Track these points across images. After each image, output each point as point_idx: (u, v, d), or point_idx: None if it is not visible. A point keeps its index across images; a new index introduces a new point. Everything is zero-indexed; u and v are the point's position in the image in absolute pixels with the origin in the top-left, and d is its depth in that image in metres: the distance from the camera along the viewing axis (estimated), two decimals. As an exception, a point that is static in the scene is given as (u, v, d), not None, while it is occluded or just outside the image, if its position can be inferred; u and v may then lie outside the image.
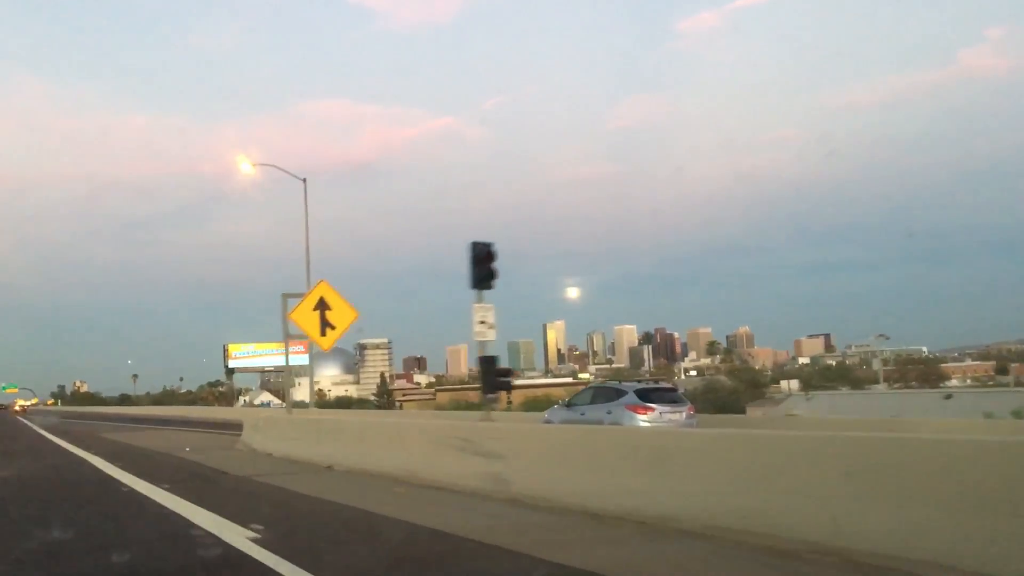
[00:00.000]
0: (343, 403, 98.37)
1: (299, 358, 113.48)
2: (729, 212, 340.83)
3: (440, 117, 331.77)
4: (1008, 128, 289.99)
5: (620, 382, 18.48)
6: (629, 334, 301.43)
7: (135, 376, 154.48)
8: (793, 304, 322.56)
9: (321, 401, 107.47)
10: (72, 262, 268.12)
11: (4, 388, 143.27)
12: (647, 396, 16.46)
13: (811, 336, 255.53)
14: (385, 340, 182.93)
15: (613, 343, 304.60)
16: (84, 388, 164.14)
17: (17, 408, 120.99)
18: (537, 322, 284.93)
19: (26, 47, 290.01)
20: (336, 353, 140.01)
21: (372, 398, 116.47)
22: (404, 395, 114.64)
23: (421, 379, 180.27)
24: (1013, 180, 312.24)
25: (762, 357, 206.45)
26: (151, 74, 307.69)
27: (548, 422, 18.07)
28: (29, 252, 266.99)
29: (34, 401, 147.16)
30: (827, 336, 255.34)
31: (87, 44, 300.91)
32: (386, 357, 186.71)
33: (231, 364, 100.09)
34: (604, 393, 17.60)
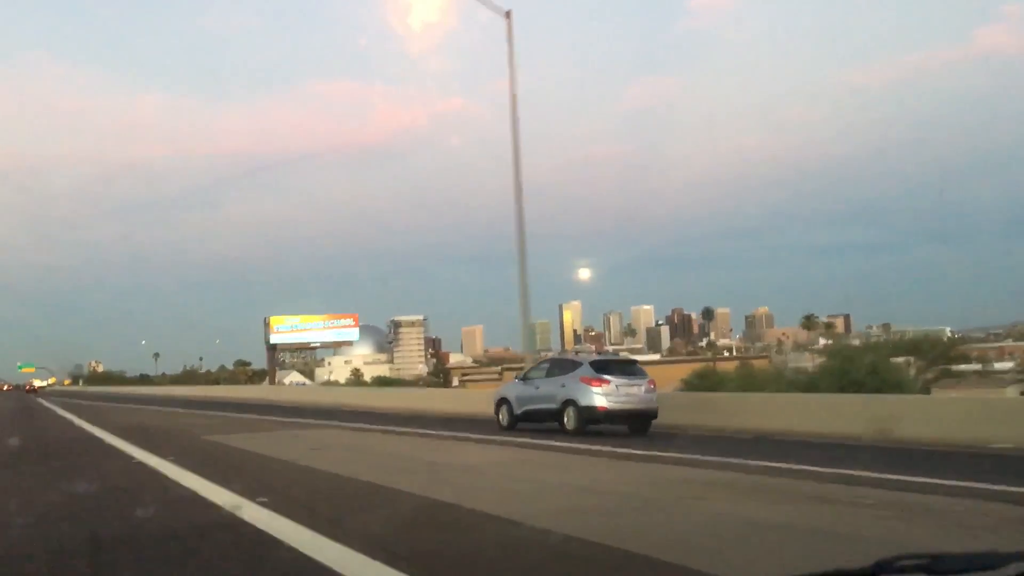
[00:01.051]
0: (386, 383, 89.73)
1: (347, 333, 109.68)
2: (743, 192, 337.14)
3: (451, 97, 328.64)
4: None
5: (576, 353, 17.64)
6: (647, 315, 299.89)
7: (156, 355, 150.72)
8: (809, 285, 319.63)
9: (357, 381, 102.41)
10: (86, 242, 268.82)
11: (20, 367, 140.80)
12: (604, 368, 15.98)
13: (830, 316, 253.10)
14: (420, 317, 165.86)
15: (630, 323, 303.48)
16: (100, 368, 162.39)
17: (27, 388, 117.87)
18: (553, 302, 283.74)
19: (38, 29, 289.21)
20: (367, 331, 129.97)
21: (421, 377, 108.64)
22: (464, 374, 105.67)
23: (456, 358, 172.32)
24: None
25: (774, 336, 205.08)
26: (162, 55, 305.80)
27: (503, 397, 17.71)
28: (43, 232, 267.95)
29: (51, 381, 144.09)
30: (846, 317, 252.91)
31: (99, 26, 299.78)
32: (420, 335, 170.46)
33: (273, 339, 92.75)
34: (560, 365, 17.03)
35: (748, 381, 30.96)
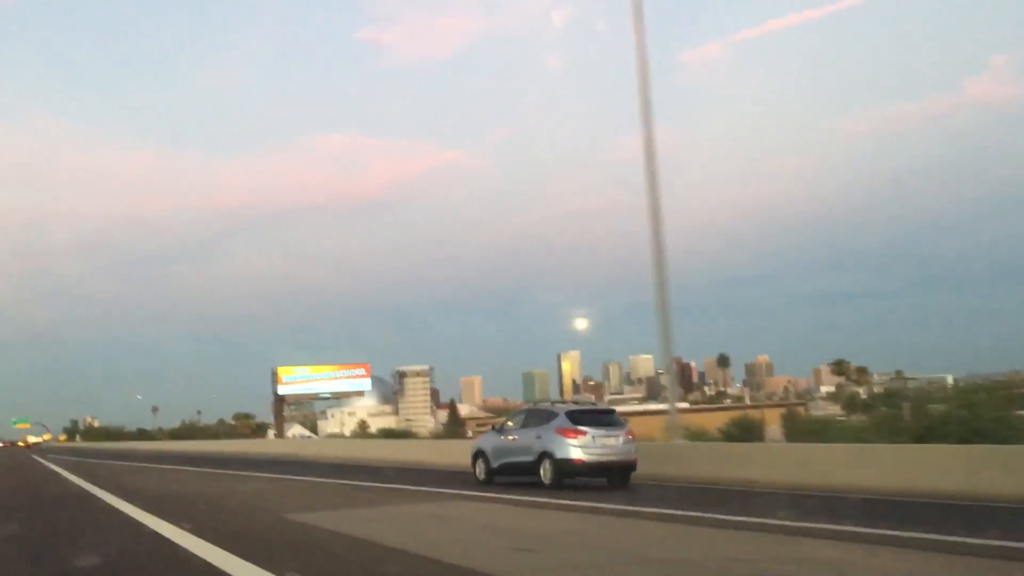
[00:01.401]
0: (397, 435, 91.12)
1: (358, 383, 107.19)
2: (737, 241, 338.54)
3: (448, 150, 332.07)
4: (1018, 155, 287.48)
5: (553, 403, 16.81)
6: (646, 363, 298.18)
7: (155, 408, 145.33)
8: (807, 333, 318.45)
9: (363, 433, 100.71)
10: (81, 297, 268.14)
11: (15, 423, 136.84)
12: (580, 418, 15.23)
13: (830, 364, 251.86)
14: (426, 367, 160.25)
15: (629, 373, 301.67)
16: (96, 423, 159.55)
17: (20, 444, 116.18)
18: (551, 352, 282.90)
19: (37, 86, 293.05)
20: (372, 381, 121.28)
21: (427, 428, 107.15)
22: (479, 424, 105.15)
23: (462, 408, 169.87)
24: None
25: (779, 386, 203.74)
26: (161, 111, 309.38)
27: (480, 449, 17.08)
28: (38, 287, 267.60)
29: (46, 437, 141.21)
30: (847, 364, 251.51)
31: (97, 83, 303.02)
32: (426, 385, 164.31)
33: (281, 390, 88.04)
34: (536, 416, 16.21)
35: (817, 429, 27.88)
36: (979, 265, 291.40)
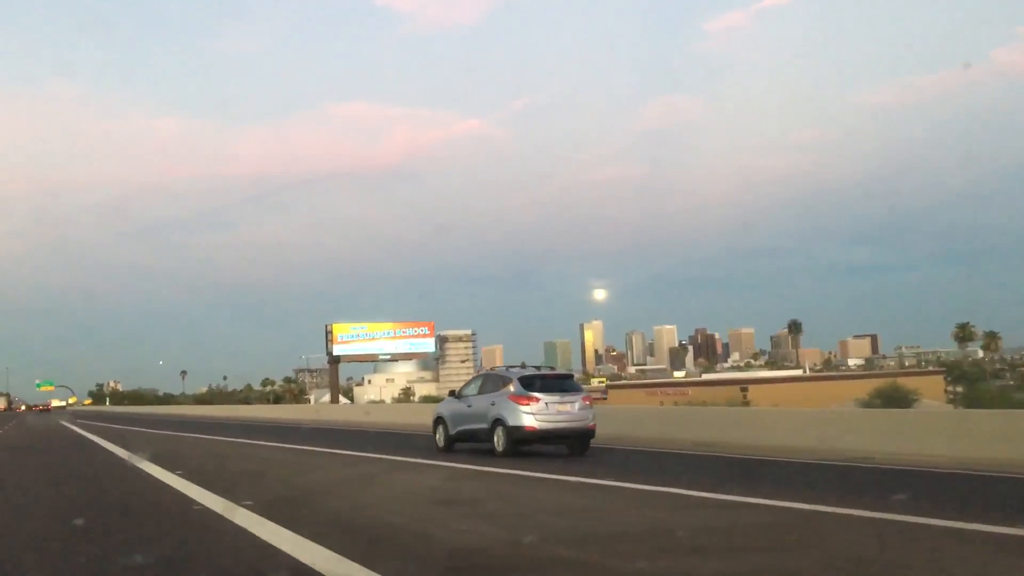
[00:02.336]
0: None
1: (421, 343, 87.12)
2: (761, 212, 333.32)
3: (468, 119, 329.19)
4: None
5: (508, 368, 15.90)
6: (669, 334, 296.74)
7: (184, 373, 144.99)
8: (832, 305, 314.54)
9: (406, 400, 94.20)
10: (102, 263, 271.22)
11: (39, 385, 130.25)
12: (533, 384, 14.43)
13: (857, 337, 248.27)
14: (468, 332, 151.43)
15: (652, 343, 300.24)
16: (119, 387, 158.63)
17: (40, 408, 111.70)
18: (574, 322, 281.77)
19: (59, 54, 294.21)
20: (436, 341, 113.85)
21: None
22: None
23: None
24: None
25: (810, 358, 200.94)
26: (181, 79, 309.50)
27: (439, 415, 16.59)
28: (60, 253, 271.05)
29: (72, 400, 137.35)
30: (874, 337, 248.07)
31: (118, 50, 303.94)
32: (470, 351, 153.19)
33: (336, 350, 76.09)
34: (491, 381, 15.51)
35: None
36: (1007, 238, 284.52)
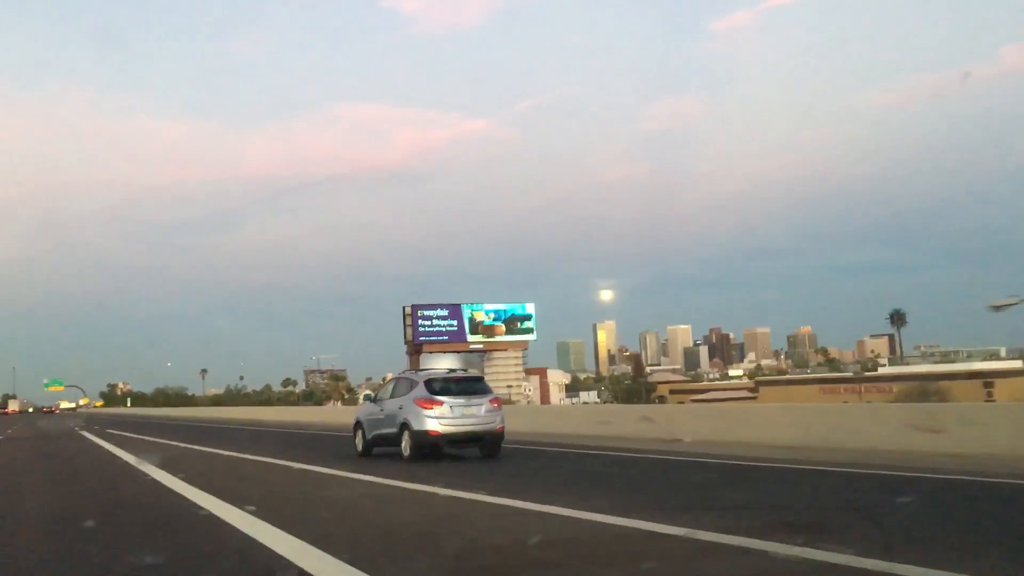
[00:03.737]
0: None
1: (522, 329, 68.08)
2: (770, 212, 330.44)
3: (473, 120, 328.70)
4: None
5: (418, 371, 15.79)
6: (684, 334, 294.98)
7: (204, 371, 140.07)
8: (846, 305, 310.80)
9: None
10: (112, 265, 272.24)
11: (47, 385, 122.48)
12: (438, 388, 14.08)
13: (874, 336, 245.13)
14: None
15: (666, 343, 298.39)
16: (128, 388, 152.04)
17: (47, 409, 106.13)
18: (586, 322, 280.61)
19: (66, 58, 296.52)
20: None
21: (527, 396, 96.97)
22: (671, 388, 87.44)
23: (554, 375, 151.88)
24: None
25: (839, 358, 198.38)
26: (188, 80, 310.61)
27: (357, 420, 16.23)
28: (72, 256, 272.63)
29: (84, 401, 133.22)
30: (891, 336, 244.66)
31: (125, 53, 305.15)
32: (519, 353, 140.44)
33: (421, 337, 62.62)
34: (403, 385, 15.10)
35: None
36: (1010, 237, 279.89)
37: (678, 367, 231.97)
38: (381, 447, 15.27)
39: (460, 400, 13.90)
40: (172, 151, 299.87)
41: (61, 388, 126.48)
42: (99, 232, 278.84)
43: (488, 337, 63.70)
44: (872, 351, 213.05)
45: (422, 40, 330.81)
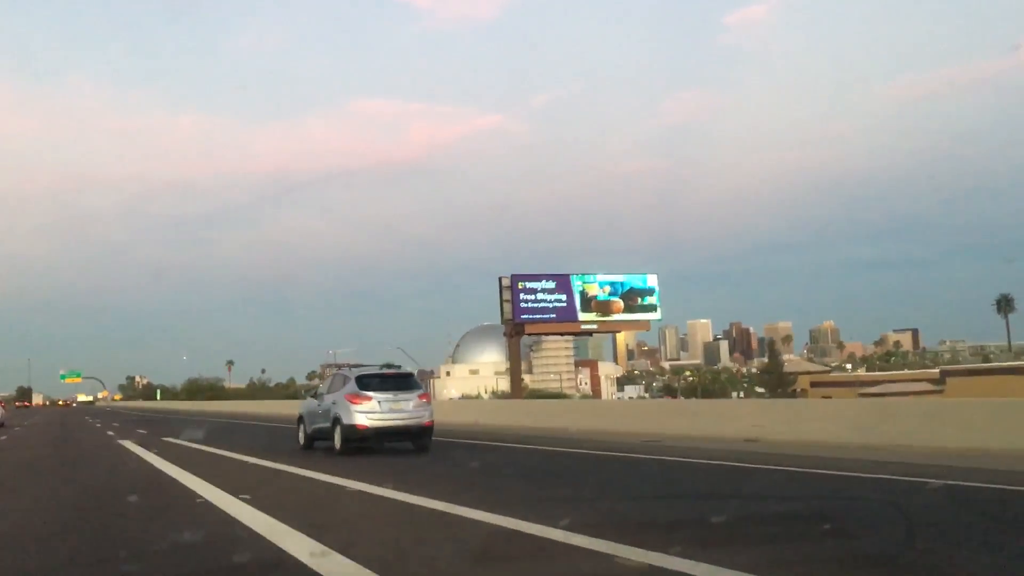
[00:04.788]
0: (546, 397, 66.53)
1: (644, 306, 53.52)
2: (789, 206, 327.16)
3: (488, 115, 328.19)
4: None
5: (352, 368, 16.26)
6: (704, 328, 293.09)
7: (230, 363, 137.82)
8: (869, 299, 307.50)
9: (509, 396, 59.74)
10: (127, 259, 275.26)
11: (63, 377, 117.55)
12: (368, 384, 14.47)
13: (897, 331, 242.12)
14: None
15: (685, 337, 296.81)
16: (145, 382, 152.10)
17: (63, 403, 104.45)
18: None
19: (78, 51, 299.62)
20: (491, 332, 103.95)
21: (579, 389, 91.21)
22: (813, 381, 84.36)
23: (605, 368, 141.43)
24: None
25: (860, 353, 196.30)
26: (202, 75, 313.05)
27: (300, 415, 16.84)
28: (87, 250, 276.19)
29: (103, 395, 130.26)
30: (915, 331, 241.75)
31: (139, 48, 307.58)
32: (569, 342, 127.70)
33: (523, 314, 47.08)
34: (338, 381, 15.56)
35: None
36: None
37: (698, 362, 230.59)
38: (320, 441, 15.62)
39: (388, 395, 14.22)
40: (187, 146, 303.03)
41: (79, 380, 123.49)
42: (115, 226, 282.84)
43: (603, 316, 46.60)
44: (897, 343, 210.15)
45: (436, 35, 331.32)
